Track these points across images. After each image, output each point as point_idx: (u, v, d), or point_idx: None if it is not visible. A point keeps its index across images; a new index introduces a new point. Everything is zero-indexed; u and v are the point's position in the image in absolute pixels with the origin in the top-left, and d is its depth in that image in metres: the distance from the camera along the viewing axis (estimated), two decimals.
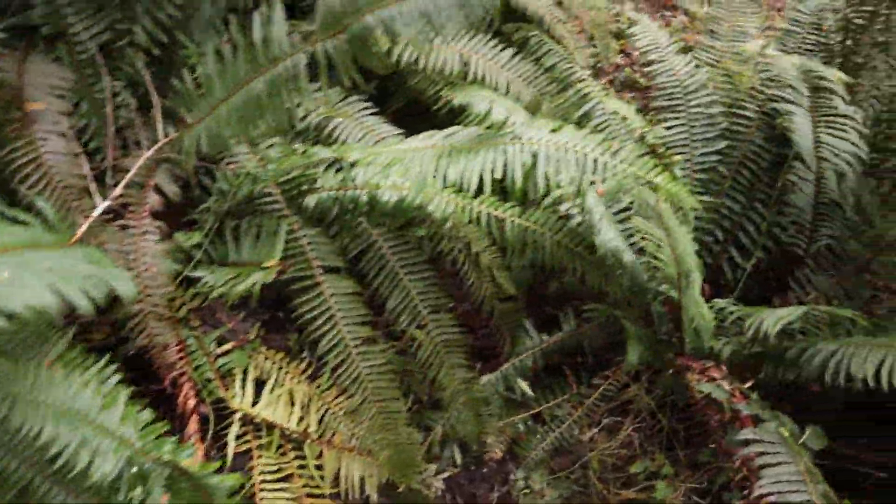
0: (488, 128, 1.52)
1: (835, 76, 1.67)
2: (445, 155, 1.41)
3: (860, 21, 2.07)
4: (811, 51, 2.37)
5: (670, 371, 2.03)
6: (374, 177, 1.44)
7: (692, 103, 2.27)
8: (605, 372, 2.17)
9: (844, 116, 1.73)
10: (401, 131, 2.16)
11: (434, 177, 1.37)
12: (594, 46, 2.56)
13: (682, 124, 2.25)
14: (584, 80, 2.21)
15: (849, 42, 2.11)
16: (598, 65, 2.65)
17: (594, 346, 2.21)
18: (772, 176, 2.32)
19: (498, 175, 1.35)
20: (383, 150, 1.49)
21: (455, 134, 1.51)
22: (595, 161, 1.35)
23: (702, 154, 2.26)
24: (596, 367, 2.22)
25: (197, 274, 1.80)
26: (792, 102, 1.80)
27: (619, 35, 2.77)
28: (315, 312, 1.82)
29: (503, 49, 2.17)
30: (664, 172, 1.45)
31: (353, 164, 1.47)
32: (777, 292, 2.29)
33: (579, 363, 2.25)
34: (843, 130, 1.75)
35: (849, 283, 2.10)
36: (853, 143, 1.75)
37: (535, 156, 1.35)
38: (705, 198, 2.30)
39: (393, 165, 1.42)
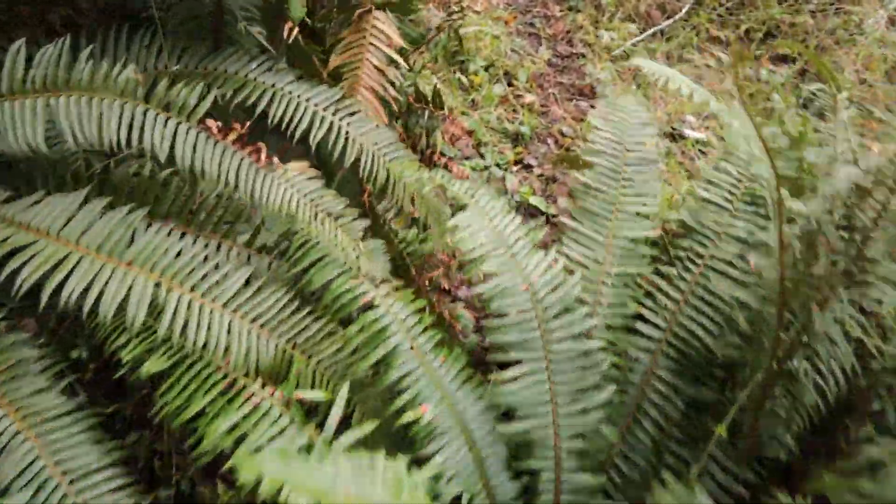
0: None
1: None
2: None
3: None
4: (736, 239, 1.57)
5: None
6: None
7: (556, 334, 1.43)
8: None
9: None
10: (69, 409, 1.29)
11: None
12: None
13: (538, 370, 1.41)
14: (377, 305, 1.36)
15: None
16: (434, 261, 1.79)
17: None
18: (689, 433, 1.51)
19: None
20: None
21: None
22: None
23: (571, 414, 1.42)
24: None
25: None
26: None
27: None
28: None
29: (237, 269, 1.29)
30: None
31: None
32: None
33: None
34: None
35: None
36: None
37: None
38: (577, 475, 1.47)
39: None
